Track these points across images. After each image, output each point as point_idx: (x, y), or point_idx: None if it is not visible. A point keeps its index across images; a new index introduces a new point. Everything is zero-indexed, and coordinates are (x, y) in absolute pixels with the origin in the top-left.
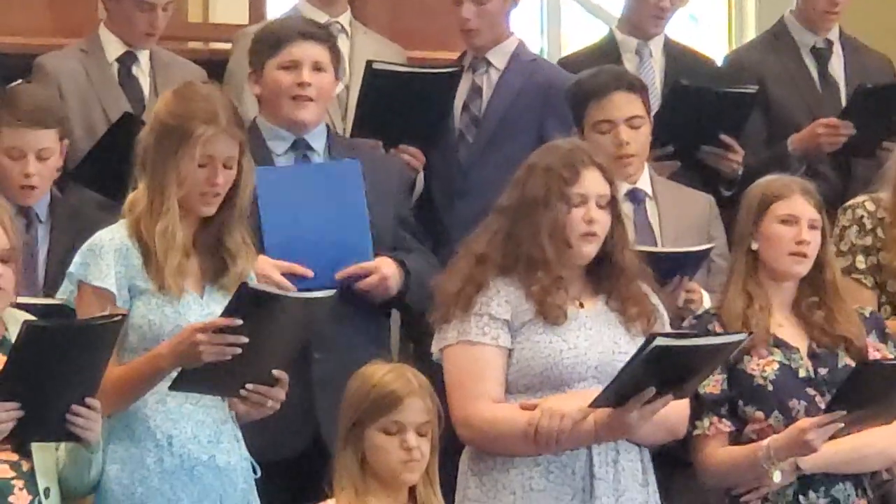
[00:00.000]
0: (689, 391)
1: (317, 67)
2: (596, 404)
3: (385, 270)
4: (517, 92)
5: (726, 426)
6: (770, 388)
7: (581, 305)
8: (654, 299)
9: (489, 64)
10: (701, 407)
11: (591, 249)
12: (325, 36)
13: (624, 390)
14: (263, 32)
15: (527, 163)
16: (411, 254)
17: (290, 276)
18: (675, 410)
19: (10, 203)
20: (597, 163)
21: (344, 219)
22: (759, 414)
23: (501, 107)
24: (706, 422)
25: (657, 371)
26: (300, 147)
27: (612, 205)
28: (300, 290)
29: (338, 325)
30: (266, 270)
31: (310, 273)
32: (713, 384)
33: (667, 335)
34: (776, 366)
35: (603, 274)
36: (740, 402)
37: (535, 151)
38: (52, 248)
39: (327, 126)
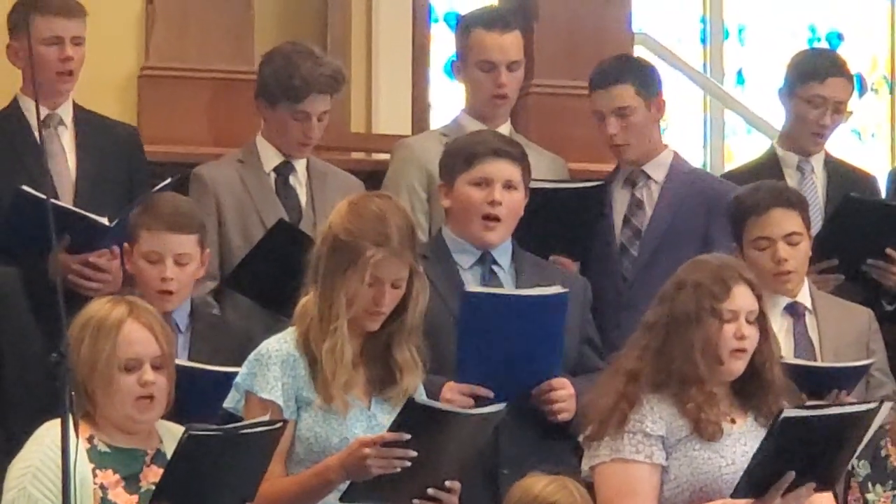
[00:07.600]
0: (834, 477)
1: (508, 185)
2: (736, 494)
3: (572, 389)
4: (680, 202)
5: None
6: None
7: (733, 422)
8: None
9: (648, 177)
10: None
11: (740, 365)
12: (517, 155)
13: (761, 475)
14: (456, 146)
15: (674, 279)
16: (592, 374)
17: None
18: None
19: None
20: (746, 278)
21: (540, 346)
22: None
23: (666, 218)
24: None
25: (793, 452)
26: (487, 262)
27: (761, 320)
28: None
29: (525, 442)
30: (447, 395)
31: (490, 394)
32: (883, 500)
33: (795, 408)
34: None
35: (750, 390)
36: None
37: (682, 267)
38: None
39: (513, 241)
